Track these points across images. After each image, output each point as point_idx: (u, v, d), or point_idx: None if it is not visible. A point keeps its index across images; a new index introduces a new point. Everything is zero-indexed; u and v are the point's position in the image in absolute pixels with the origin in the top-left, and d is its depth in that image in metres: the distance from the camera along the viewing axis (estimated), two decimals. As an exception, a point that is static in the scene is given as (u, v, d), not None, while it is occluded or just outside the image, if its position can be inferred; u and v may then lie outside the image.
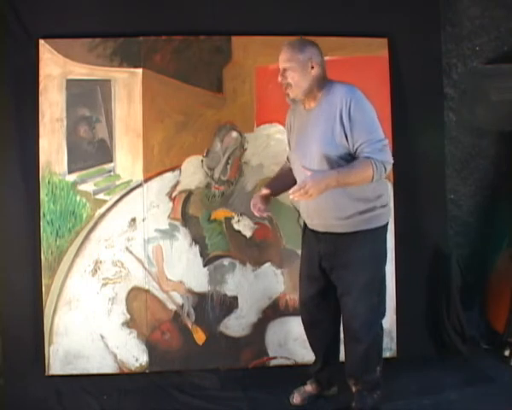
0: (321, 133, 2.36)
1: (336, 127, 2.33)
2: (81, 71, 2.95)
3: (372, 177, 2.26)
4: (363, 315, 2.43)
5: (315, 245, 2.52)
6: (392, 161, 2.35)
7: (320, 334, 2.65)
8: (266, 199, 2.51)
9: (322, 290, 2.56)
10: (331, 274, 2.49)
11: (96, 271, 2.98)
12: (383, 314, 2.54)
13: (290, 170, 2.62)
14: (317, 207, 2.43)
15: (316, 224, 2.50)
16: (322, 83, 2.42)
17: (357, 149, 2.31)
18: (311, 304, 2.61)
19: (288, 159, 2.69)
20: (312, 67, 2.39)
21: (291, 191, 2.23)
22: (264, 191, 2.51)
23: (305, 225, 2.62)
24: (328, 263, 2.48)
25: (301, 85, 2.38)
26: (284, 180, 2.62)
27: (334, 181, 2.23)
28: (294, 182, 2.51)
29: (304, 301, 2.65)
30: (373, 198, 2.42)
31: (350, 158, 2.33)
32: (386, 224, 2.50)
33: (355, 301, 2.43)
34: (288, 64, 2.37)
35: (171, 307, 3.02)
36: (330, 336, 2.66)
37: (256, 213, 2.49)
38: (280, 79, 2.41)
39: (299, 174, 2.44)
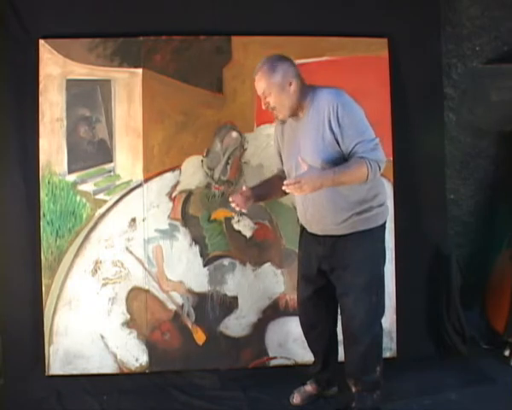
0: (312, 142, 2.36)
1: (326, 134, 2.33)
2: (81, 71, 2.95)
3: (367, 175, 2.26)
4: (362, 315, 2.43)
5: (314, 248, 2.53)
6: (385, 159, 2.35)
7: (318, 335, 2.65)
8: (247, 197, 2.46)
9: (319, 291, 2.56)
10: (331, 275, 2.50)
11: (96, 271, 2.98)
12: (382, 314, 2.53)
13: (280, 178, 2.61)
14: (314, 214, 2.44)
15: (314, 229, 2.50)
16: (305, 92, 2.40)
17: (350, 152, 2.31)
18: (308, 305, 2.61)
19: (278, 168, 2.69)
20: (290, 84, 2.38)
21: (285, 182, 2.22)
22: (245, 188, 2.48)
23: (302, 228, 2.62)
24: (328, 265, 2.48)
25: (285, 105, 2.38)
26: (272, 186, 2.62)
27: (329, 180, 2.23)
28: (281, 190, 2.51)
29: (301, 302, 2.65)
30: (369, 198, 2.42)
31: (344, 162, 2.32)
32: (384, 223, 2.51)
33: (354, 301, 2.43)
34: (267, 91, 2.37)
35: (171, 307, 3.02)
36: (329, 337, 2.66)
37: (235, 206, 2.44)
38: (263, 105, 2.41)
39: None
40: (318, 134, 2.35)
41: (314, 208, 2.43)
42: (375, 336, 2.50)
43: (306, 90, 2.41)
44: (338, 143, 2.32)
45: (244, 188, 2.49)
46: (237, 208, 2.45)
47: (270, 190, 2.64)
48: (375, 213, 2.44)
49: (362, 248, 2.42)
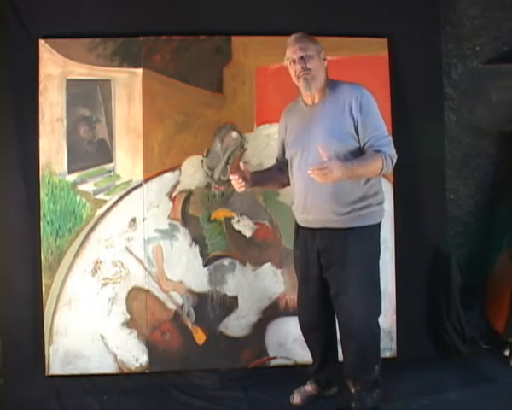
0: (328, 127, 2.38)
1: (345, 121, 2.36)
2: (81, 71, 2.95)
3: (381, 169, 2.32)
4: (360, 314, 2.43)
5: (311, 243, 2.51)
6: (396, 156, 2.40)
7: (319, 335, 2.64)
8: (244, 178, 2.42)
9: (319, 291, 2.55)
10: (327, 272, 2.48)
11: (96, 271, 2.98)
12: (379, 313, 2.53)
13: (279, 169, 2.64)
14: (315, 199, 2.43)
15: (311, 219, 2.48)
16: (327, 79, 2.46)
17: (365, 144, 2.36)
18: (310, 307, 2.60)
19: (277, 161, 2.69)
20: (325, 59, 2.45)
21: (312, 167, 2.22)
22: (242, 166, 2.44)
23: (297, 226, 2.61)
24: (326, 259, 2.47)
25: (320, 74, 2.42)
26: (271, 175, 2.65)
27: (349, 171, 2.26)
28: (280, 181, 2.62)
29: (301, 304, 2.65)
30: (370, 195, 2.44)
31: (357, 152, 2.37)
32: (380, 222, 2.52)
33: (352, 299, 2.42)
34: (306, 52, 2.40)
35: (171, 307, 3.02)
36: (329, 337, 2.66)
37: (235, 185, 2.43)
38: (298, 67, 2.39)
39: (300, 168, 2.45)
40: (336, 119, 2.38)
41: (316, 193, 2.41)
42: (374, 335, 2.50)
43: (328, 79, 2.47)
44: (357, 131, 2.36)
45: (241, 165, 2.45)
46: (236, 186, 2.42)
47: (268, 178, 2.66)
48: (374, 211, 2.45)
49: (360, 245, 2.42)
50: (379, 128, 2.38)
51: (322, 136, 2.37)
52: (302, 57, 2.40)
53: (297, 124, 2.52)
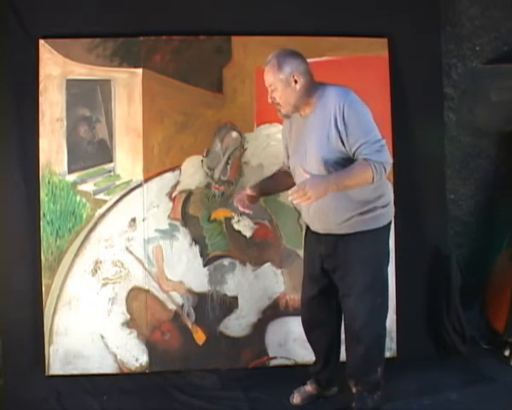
0: (317, 139, 2.36)
1: (332, 132, 2.32)
2: (81, 71, 2.95)
3: (372, 178, 2.25)
4: (364, 316, 2.43)
5: (316, 246, 2.53)
6: (391, 161, 2.34)
7: (321, 334, 2.64)
8: (251, 197, 2.51)
9: (324, 291, 2.56)
10: (334, 275, 2.49)
11: (96, 271, 2.98)
12: (386, 316, 2.53)
13: (285, 173, 2.64)
14: (317, 212, 2.43)
15: (316, 227, 2.50)
16: (313, 89, 2.40)
17: (355, 153, 2.30)
18: (312, 304, 2.61)
19: (284, 163, 2.69)
20: (296, 81, 2.36)
21: (290, 192, 2.22)
22: (249, 192, 2.51)
23: (306, 228, 2.62)
24: (330, 264, 2.48)
25: (289, 102, 2.38)
26: (277, 181, 2.65)
27: (333, 185, 2.22)
28: (287, 184, 2.55)
29: (305, 302, 2.65)
30: (374, 199, 2.41)
31: (348, 163, 2.31)
32: (388, 224, 2.49)
33: (356, 301, 2.42)
34: (272, 86, 2.38)
35: (171, 307, 3.02)
36: (331, 337, 2.66)
37: (240, 208, 2.50)
38: (269, 99, 2.42)
39: (300, 179, 2.43)
40: (323, 132, 2.34)
41: (317, 206, 2.41)
42: (378, 338, 2.50)
43: (315, 87, 2.41)
44: (343, 142, 2.31)
45: (248, 191, 2.50)
46: (241, 209, 2.47)
47: (275, 184, 2.66)
48: (379, 214, 2.43)
49: (364, 249, 2.41)
50: (368, 134, 2.29)
51: (313, 148, 2.36)
52: (271, 90, 2.40)
53: (295, 134, 2.51)
